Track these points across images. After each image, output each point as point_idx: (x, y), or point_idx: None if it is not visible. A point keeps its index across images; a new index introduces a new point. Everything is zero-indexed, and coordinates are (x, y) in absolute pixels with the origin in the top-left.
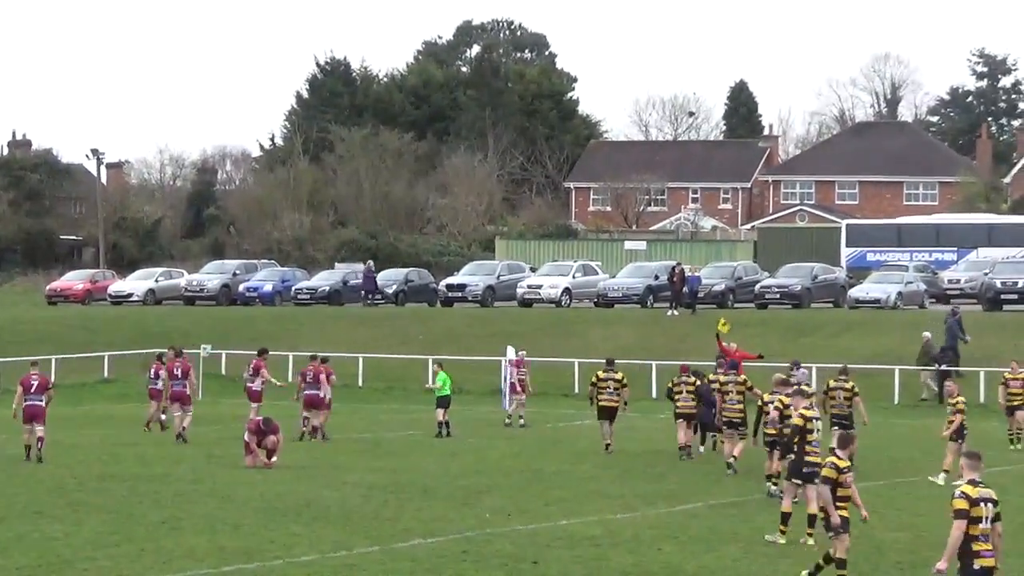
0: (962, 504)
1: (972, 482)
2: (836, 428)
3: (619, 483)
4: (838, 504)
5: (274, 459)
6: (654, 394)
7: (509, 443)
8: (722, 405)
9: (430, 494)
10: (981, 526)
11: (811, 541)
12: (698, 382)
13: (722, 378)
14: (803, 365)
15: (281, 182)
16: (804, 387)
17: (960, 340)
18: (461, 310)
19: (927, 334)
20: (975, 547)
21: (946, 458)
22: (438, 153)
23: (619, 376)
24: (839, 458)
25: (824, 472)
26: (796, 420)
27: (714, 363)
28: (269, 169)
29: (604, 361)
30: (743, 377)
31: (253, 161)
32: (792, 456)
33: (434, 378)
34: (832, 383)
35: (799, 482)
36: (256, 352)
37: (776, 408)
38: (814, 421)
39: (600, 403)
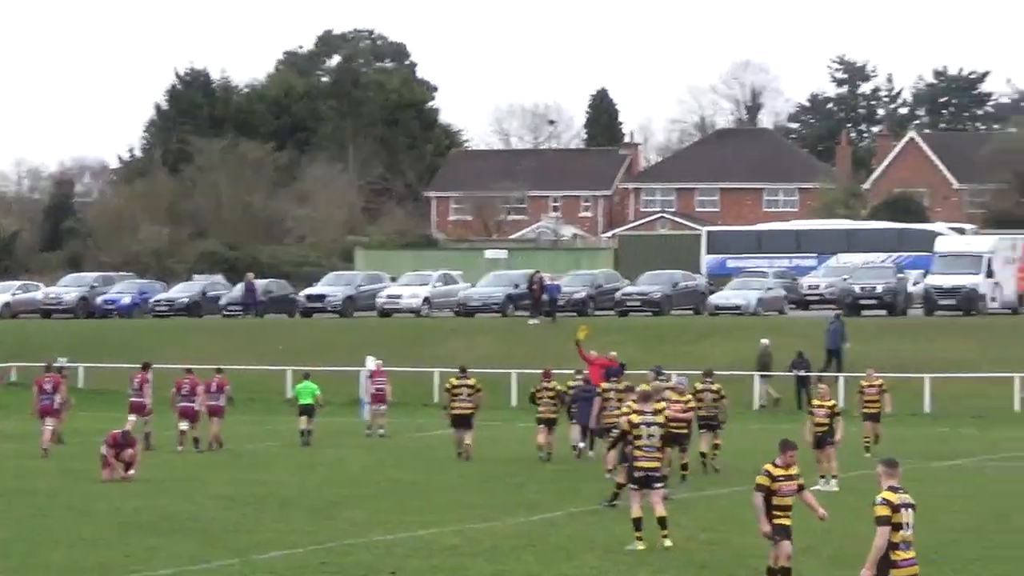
0: (885, 511)
1: (892, 488)
2: (704, 431)
3: (479, 492)
4: (776, 512)
5: (132, 472)
6: (514, 402)
7: (369, 453)
8: (602, 411)
9: (289, 506)
10: (902, 533)
11: (668, 543)
12: (561, 386)
13: (604, 384)
14: (664, 371)
15: (140, 194)
16: (678, 387)
17: (843, 344)
18: (321, 320)
19: (764, 341)
20: (894, 556)
21: (830, 462)
22: (298, 164)
23: (472, 382)
24: (774, 465)
25: (757, 480)
26: (623, 424)
27: (574, 371)
28: (128, 181)
29: (459, 369)
30: (624, 384)
31: (112, 173)
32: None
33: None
34: (699, 385)
35: (636, 487)
36: (140, 366)
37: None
38: (644, 427)
39: (453, 411)
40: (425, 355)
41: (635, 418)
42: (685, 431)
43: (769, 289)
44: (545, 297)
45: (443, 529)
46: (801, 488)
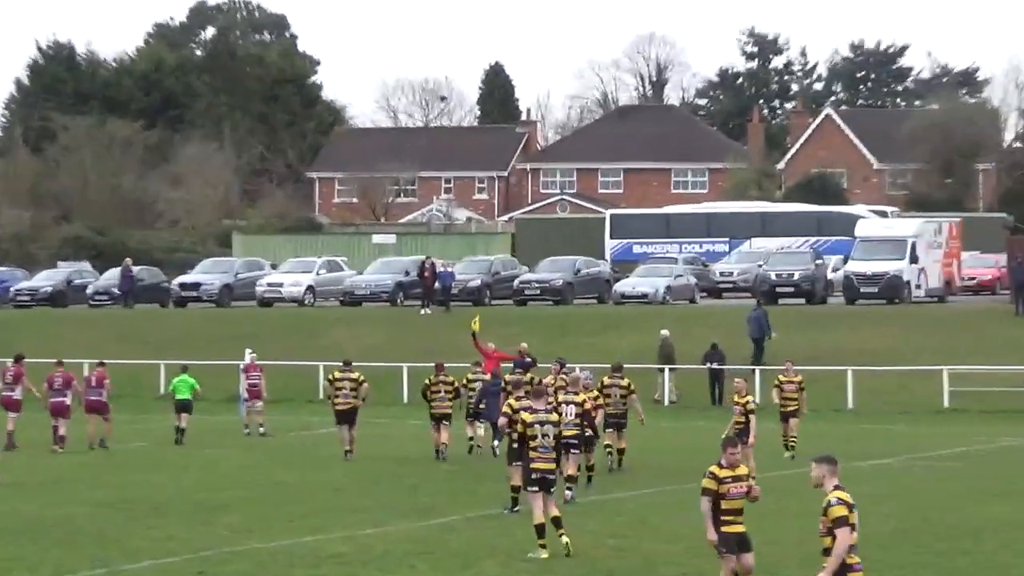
0: (842, 511)
1: (839, 487)
2: (611, 430)
3: (368, 495)
4: (726, 519)
5: None
6: (405, 398)
7: (248, 453)
8: (469, 401)
9: (162, 511)
10: (854, 535)
11: (565, 539)
12: (459, 381)
13: (508, 377)
14: (568, 364)
15: None
16: (585, 383)
17: (766, 334)
18: (196, 311)
19: (664, 332)
20: (849, 560)
21: (748, 463)
22: (171, 143)
23: (356, 376)
24: (719, 466)
25: (703, 483)
26: (518, 426)
27: (470, 364)
28: None
29: (341, 363)
30: (529, 376)
31: None
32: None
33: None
34: (607, 380)
35: (535, 489)
36: (12, 359)
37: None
38: (538, 426)
39: (336, 407)
40: (309, 347)
41: (528, 416)
42: (587, 433)
43: (678, 276)
44: (437, 285)
45: (329, 536)
46: (751, 490)
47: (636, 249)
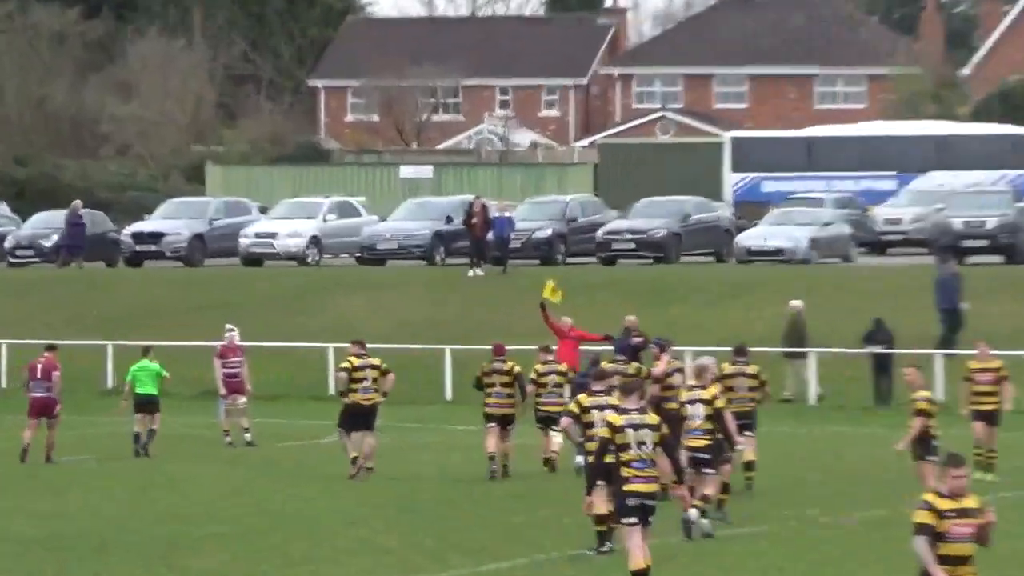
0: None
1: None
2: (745, 433)
3: (394, 530)
4: (947, 566)
5: None
6: (448, 393)
7: (229, 470)
8: (537, 400)
9: (110, 550)
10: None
11: None
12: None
13: (539, 367)
14: (671, 346)
15: None
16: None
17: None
18: (156, 271)
19: (796, 303)
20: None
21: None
22: (118, 38)
23: (378, 362)
24: (938, 495)
25: (916, 516)
26: (602, 431)
27: (537, 348)
28: None
29: (351, 344)
30: (565, 366)
31: None
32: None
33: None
34: (728, 368)
35: (632, 521)
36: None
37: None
38: (632, 431)
39: (352, 403)
40: (312, 323)
41: (616, 418)
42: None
43: (827, 224)
44: (490, 236)
45: None
46: (982, 531)
47: (767, 187)
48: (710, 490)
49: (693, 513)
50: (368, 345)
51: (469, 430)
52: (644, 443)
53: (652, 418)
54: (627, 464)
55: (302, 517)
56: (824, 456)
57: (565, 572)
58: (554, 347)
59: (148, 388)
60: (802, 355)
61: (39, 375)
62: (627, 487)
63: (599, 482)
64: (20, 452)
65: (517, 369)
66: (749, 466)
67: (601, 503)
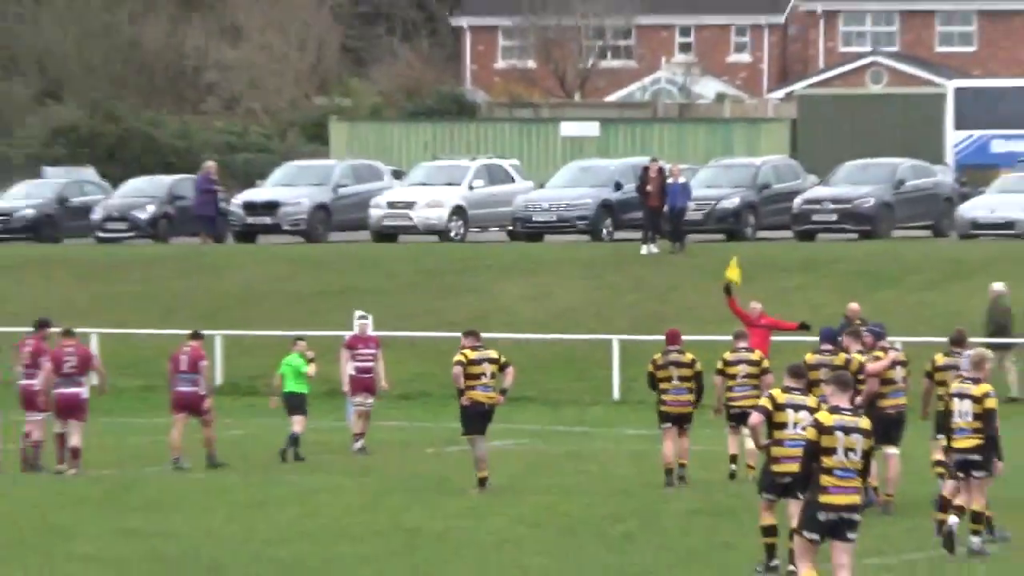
0: None
1: None
2: (942, 436)
3: (549, 550)
4: None
5: None
6: (616, 391)
7: (360, 483)
8: (727, 394)
9: (224, 573)
10: None
11: None
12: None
13: (728, 355)
14: (886, 334)
15: None
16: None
17: None
18: (270, 247)
19: (998, 286)
20: None
21: None
22: None
23: (497, 356)
24: None
25: None
26: (809, 432)
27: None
28: None
29: (464, 334)
30: (758, 354)
31: None
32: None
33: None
34: (941, 359)
35: (815, 537)
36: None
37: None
38: (841, 435)
39: (473, 397)
40: (456, 310)
41: (828, 417)
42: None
43: None
44: (668, 207)
45: None
46: None
47: (997, 147)
48: (978, 504)
49: (953, 520)
50: (524, 335)
51: (640, 434)
52: (853, 450)
53: (865, 422)
54: (828, 472)
55: (445, 536)
56: None
57: None
58: (745, 335)
59: (289, 386)
60: (1007, 347)
61: (184, 367)
62: (823, 498)
63: (767, 493)
64: (172, 462)
65: (699, 366)
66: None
67: (769, 515)
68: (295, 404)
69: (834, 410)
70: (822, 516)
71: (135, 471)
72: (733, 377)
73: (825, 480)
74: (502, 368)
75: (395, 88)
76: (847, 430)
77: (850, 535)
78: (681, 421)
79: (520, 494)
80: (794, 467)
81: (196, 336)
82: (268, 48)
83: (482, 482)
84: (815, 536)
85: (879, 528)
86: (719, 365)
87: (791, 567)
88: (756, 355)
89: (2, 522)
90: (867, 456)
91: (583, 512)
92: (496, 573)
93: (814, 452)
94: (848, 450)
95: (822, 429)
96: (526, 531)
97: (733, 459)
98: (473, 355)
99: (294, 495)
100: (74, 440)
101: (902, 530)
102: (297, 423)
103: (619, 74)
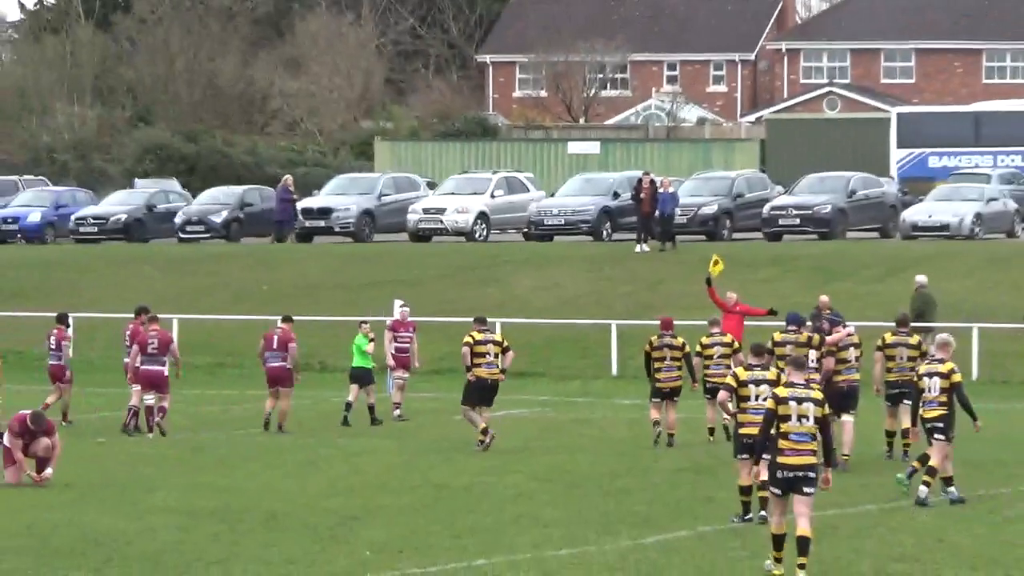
0: None
1: None
2: (890, 404)
3: (561, 503)
4: None
5: (47, 472)
6: (614, 368)
7: (398, 445)
8: (705, 372)
9: (280, 524)
10: None
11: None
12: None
13: (704, 339)
14: (843, 321)
15: (53, 59)
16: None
17: None
18: (324, 246)
19: (921, 278)
20: None
21: None
22: (287, 14)
23: (499, 338)
24: None
25: None
26: (769, 403)
27: (706, 322)
28: (34, 39)
29: (474, 320)
30: (730, 337)
31: (9, 28)
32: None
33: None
34: (890, 338)
35: (777, 492)
36: (55, 318)
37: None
38: (795, 404)
39: (478, 374)
40: (480, 299)
41: (784, 391)
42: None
43: (992, 200)
44: (658, 212)
45: (510, 557)
46: None
47: (934, 162)
48: (936, 460)
49: (923, 490)
50: (536, 320)
51: (635, 404)
52: (806, 417)
53: (817, 392)
54: (785, 436)
55: (469, 490)
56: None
57: (729, 543)
58: (718, 321)
59: (357, 361)
60: (928, 331)
61: (275, 346)
62: (781, 459)
63: (741, 455)
64: (263, 421)
65: (688, 349)
66: (905, 434)
67: (745, 475)
68: (361, 376)
69: (789, 385)
70: (780, 474)
71: (208, 435)
72: (710, 357)
73: (783, 444)
74: (504, 351)
75: (429, 113)
76: (800, 400)
77: (807, 489)
78: (672, 395)
79: (533, 454)
80: (755, 430)
81: (287, 319)
82: (324, 80)
83: (482, 441)
84: (777, 491)
85: (837, 483)
86: (697, 348)
87: (763, 512)
88: (728, 338)
89: (101, 476)
90: (825, 423)
91: (586, 469)
92: (512, 521)
93: (772, 419)
94: (801, 416)
95: (779, 400)
96: (538, 485)
97: (711, 431)
98: (479, 337)
99: (341, 455)
100: (164, 404)
101: (857, 485)
102: (370, 392)
103: (616, 102)
